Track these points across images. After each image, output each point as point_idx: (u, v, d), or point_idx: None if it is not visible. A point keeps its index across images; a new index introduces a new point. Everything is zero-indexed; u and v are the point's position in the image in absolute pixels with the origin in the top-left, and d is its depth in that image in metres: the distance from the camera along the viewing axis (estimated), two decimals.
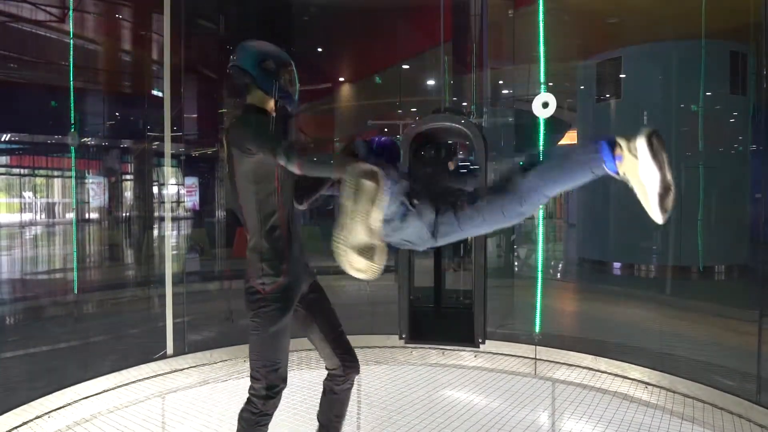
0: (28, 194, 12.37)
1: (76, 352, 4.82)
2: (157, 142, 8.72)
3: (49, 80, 9.55)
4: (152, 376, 4.03)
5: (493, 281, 5.38)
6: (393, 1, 8.97)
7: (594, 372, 4.14)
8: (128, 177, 11.40)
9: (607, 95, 9.65)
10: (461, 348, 4.73)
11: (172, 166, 5.17)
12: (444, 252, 4.07)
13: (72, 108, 5.66)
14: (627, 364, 4.07)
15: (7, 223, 12.08)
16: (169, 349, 4.26)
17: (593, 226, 10.10)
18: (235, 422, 2.09)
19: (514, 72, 8.85)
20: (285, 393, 2.09)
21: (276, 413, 2.10)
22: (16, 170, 12.79)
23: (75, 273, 6.58)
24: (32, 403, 3.30)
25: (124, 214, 11.09)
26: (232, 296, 6.43)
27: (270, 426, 2.09)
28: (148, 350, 4.30)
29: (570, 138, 11.95)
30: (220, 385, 3.96)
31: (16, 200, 12.58)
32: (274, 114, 2.20)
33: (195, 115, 11.40)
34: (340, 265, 1.66)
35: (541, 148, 1.79)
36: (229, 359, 4.47)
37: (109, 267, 9.27)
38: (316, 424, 2.35)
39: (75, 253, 7.21)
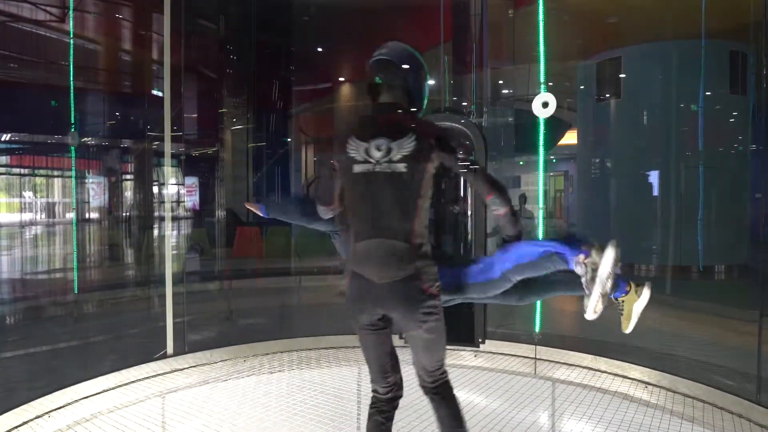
0: (28, 194, 12.37)
1: (76, 352, 4.82)
2: (157, 142, 8.73)
3: (49, 80, 9.55)
4: (152, 376, 4.04)
5: None
6: (393, 1, 8.97)
7: (594, 372, 4.14)
8: (128, 177, 11.41)
9: (607, 95, 9.65)
10: (461, 347, 4.73)
11: (172, 166, 5.17)
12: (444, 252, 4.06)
13: (72, 108, 5.66)
14: (627, 364, 4.08)
15: (7, 223, 12.08)
16: (169, 349, 4.27)
17: (593, 226, 10.10)
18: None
19: (514, 72, 8.86)
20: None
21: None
22: (16, 170, 12.80)
23: (75, 273, 6.58)
24: (32, 403, 3.31)
25: (124, 214, 11.09)
26: (232, 296, 6.44)
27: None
28: (148, 350, 4.30)
29: (570, 138, 11.95)
30: (220, 385, 3.96)
31: (16, 200, 12.59)
32: None
33: (195, 115, 11.41)
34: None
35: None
36: (229, 359, 4.47)
37: (109, 267, 9.28)
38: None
39: (75, 253, 7.22)
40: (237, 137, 11.45)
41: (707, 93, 8.88)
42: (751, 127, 8.83)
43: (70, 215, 11.24)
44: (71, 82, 5.81)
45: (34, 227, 12.16)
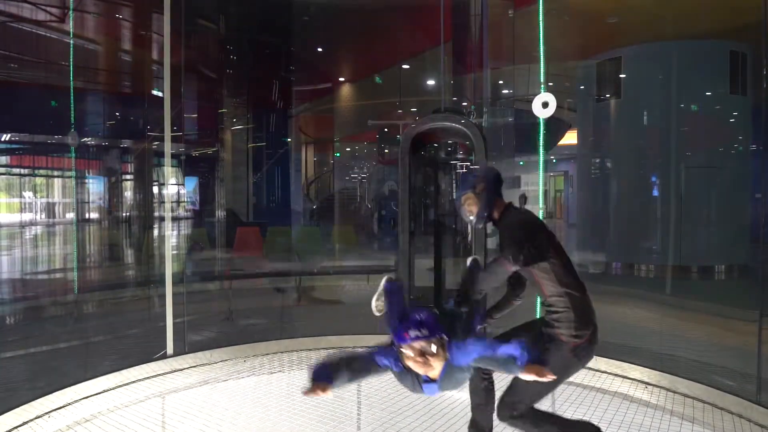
0: (28, 194, 12.39)
1: (76, 352, 4.81)
2: (157, 142, 8.73)
3: (49, 80, 9.56)
4: (152, 376, 4.03)
5: None
6: (393, 1, 8.97)
7: (594, 372, 4.14)
8: (128, 177, 11.42)
9: (607, 95, 9.64)
10: None
11: (172, 166, 5.17)
12: (444, 252, 4.06)
13: (72, 108, 5.66)
14: (627, 364, 4.07)
15: (8, 223, 12.09)
16: (169, 349, 4.26)
17: (593, 226, 10.09)
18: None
19: (514, 72, 8.86)
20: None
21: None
22: (16, 170, 12.81)
23: (75, 273, 6.59)
24: (32, 403, 3.30)
25: (124, 214, 11.10)
26: (232, 296, 6.43)
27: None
28: (148, 350, 4.30)
29: (570, 138, 11.96)
30: (220, 385, 3.95)
31: (16, 200, 12.61)
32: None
33: (195, 115, 11.43)
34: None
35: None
36: (229, 359, 4.47)
37: (110, 267, 9.28)
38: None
39: (75, 253, 7.22)
40: (237, 137, 11.46)
41: (707, 93, 8.88)
42: (752, 128, 8.83)
43: (71, 215, 11.25)
44: (71, 83, 5.81)
45: (34, 227, 12.18)
